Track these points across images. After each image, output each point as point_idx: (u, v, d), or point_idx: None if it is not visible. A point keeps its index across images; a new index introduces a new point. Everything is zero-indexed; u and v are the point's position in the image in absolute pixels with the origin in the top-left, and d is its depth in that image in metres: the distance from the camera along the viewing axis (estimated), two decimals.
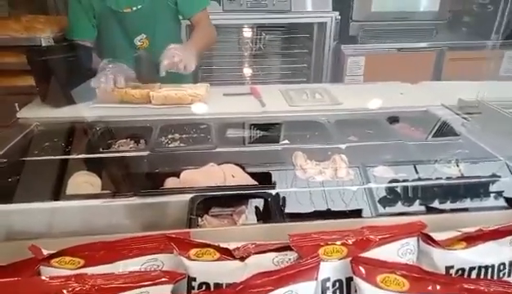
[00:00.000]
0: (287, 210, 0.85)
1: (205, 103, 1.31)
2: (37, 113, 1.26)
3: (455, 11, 2.81)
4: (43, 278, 0.47)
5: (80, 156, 1.04)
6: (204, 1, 1.61)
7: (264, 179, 0.95)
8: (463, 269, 0.53)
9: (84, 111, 1.27)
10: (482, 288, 0.47)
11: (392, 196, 0.91)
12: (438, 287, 0.48)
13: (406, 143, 1.13)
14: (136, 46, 1.54)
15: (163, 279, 0.46)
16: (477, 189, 0.92)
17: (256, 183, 0.96)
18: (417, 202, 0.91)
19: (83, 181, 0.97)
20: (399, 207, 0.89)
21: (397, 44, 2.62)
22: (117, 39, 1.56)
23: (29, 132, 1.16)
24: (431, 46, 2.66)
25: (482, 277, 0.53)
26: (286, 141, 1.16)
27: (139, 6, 1.48)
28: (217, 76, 2.57)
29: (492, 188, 0.92)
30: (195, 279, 0.50)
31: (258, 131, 1.26)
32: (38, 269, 0.50)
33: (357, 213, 0.86)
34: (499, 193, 0.91)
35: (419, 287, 0.48)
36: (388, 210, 0.88)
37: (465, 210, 0.90)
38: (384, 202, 0.89)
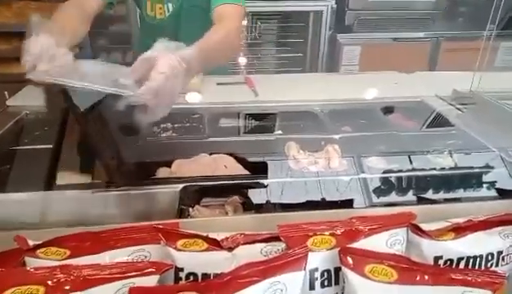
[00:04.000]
0: (279, 200, 0.85)
1: (198, 92, 1.30)
2: (27, 101, 1.24)
3: (452, 1, 2.80)
4: (28, 268, 0.47)
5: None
6: None
7: (257, 169, 0.95)
8: (451, 260, 0.53)
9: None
10: (469, 278, 0.47)
11: (385, 186, 0.91)
12: (426, 278, 0.48)
13: (400, 133, 1.13)
14: None
15: (150, 270, 0.46)
16: (470, 180, 0.93)
17: (248, 173, 0.96)
18: (410, 192, 0.91)
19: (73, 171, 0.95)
20: (393, 197, 0.89)
21: (393, 34, 2.61)
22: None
23: (18, 121, 1.14)
24: (427, 36, 2.65)
25: (470, 267, 0.53)
26: (279, 131, 1.16)
27: (170, 11, 1.32)
28: None
29: (485, 179, 0.92)
30: (182, 270, 0.49)
31: (251, 121, 1.25)
32: (23, 259, 0.49)
33: (349, 203, 0.86)
34: (492, 184, 0.91)
35: (407, 278, 0.47)
36: (382, 200, 0.88)
37: (458, 200, 0.90)
38: (378, 192, 0.89)
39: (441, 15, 2.71)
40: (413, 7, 2.62)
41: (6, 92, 1.22)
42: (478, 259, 0.53)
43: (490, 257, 0.53)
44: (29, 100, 1.25)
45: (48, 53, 0.82)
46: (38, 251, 0.49)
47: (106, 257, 0.50)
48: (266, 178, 0.88)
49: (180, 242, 0.51)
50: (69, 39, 0.97)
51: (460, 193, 0.91)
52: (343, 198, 0.86)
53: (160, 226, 0.51)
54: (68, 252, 0.50)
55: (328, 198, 0.87)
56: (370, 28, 2.59)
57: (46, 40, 0.83)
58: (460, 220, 0.56)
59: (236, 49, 1.12)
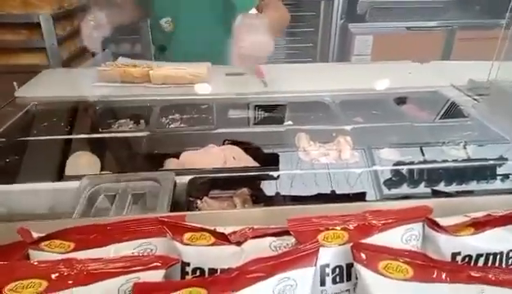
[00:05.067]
0: (289, 192, 0.83)
1: (206, 82, 1.28)
2: (35, 92, 1.24)
3: None
4: (31, 261, 0.46)
5: (78, 136, 1.02)
6: None
7: (267, 160, 0.93)
8: (470, 256, 0.51)
9: (84, 90, 1.25)
10: (489, 276, 0.45)
11: (397, 178, 0.89)
12: (444, 275, 0.45)
13: (414, 124, 1.10)
14: (164, 27, 1.47)
15: (156, 264, 0.44)
16: (483, 172, 0.90)
17: (257, 164, 0.94)
18: (422, 184, 0.88)
19: (81, 162, 0.95)
20: (404, 189, 0.87)
21: (406, 23, 2.55)
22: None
23: (26, 112, 1.14)
24: (441, 25, 2.58)
25: (489, 264, 0.51)
26: (289, 122, 1.14)
27: None
28: None
29: (501, 171, 0.89)
30: (188, 264, 0.48)
31: (260, 112, 1.23)
32: (27, 252, 0.48)
33: (361, 196, 0.84)
34: (506, 176, 0.88)
35: (423, 275, 0.45)
36: (394, 191, 0.86)
37: (471, 192, 0.87)
38: (390, 184, 0.87)
39: (455, 3, 2.64)
40: None
41: (14, 83, 1.22)
42: (499, 256, 0.51)
43: (511, 254, 0.51)
44: (38, 91, 1.25)
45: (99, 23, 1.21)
46: (42, 243, 0.48)
47: (111, 250, 0.49)
48: (275, 170, 0.86)
49: (186, 236, 0.49)
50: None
51: (474, 185, 0.88)
52: (355, 191, 0.84)
53: (166, 219, 0.50)
54: (72, 245, 0.49)
55: (339, 191, 0.85)
56: (383, 17, 2.54)
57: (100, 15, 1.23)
58: (479, 215, 0.53)
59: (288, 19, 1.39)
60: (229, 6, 1.38)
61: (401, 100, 1.28)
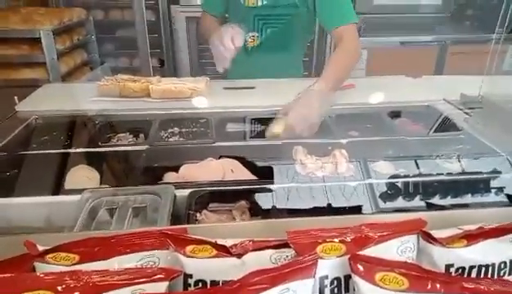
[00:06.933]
0: (286, 205, 0.84)
1: (205, 97, 1.30)
2: (36, 106, 1.25)
3: (460, 4, 2.79)
4: (37, 274, 0.47)
5: (78, 150, 1.04)
6: (349, 14, 1.35)
7: (265, 173, 0.94)
8: (463, 268, 0.52)
9: (83, 105, 1.26)
10: (482, 287, 0.46)
11: (392, 191, 0.90)
12: (438, 286, 0.47)
13: (408, 138, 1.12)
14: (247, 41, 1.51)
15: (159, 276, 0.46)
16: (478, 185, 0.92)
17: (255, 178, 0.95)
18: (418, 197, 0.90)
19: (80, 176, 0.96)
20: (400, 202, 0.88)
21: (399, 38, 2.60)
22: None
23: (27, 126, 1.15)
24: (434, 40, 2.64)
25: (482, 276, 0.52)
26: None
27: (264, 2, 1.42)
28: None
29: (494, 184, 0.91)
30: (191, 276, 0.49)
31: (258, 126, 1.25)
32: (33, 264, 0.49)
33: (356, 209, 0.86)
34: (500, 189, 0.90)
35: (418, 286, 0.47)
36: (389, 205, 0.87)
37: (466, 206, 0.89)
38: (385, 197, 0.89)
39: (448, 18, 2.70)
40: (420, 11, 2.61)
41: (15, 97, 1.23)
42: (491, 267, 0.52)
43: (503, 266, 0.53)
44: (38, 105, 1.26)
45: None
46: (48, 256, 0.49)
47: (115, 263, 0.50)
48: (273, 183, 0.88)
49: (189, 248, 0.50)
50: None
51: (468, 198, 0.90)
52: (351, 204, 0.86)
53: (169, 232, 0.51)
54: (77, 258, 0.50)
55: (335, 204, 0.86)
56: (377, 32, 2.59)
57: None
58: (472, 227, 0.55)
59: (355, 61, 1.37)
60: (307, 30, 1.57)
61: (395, 114, 1.31)
